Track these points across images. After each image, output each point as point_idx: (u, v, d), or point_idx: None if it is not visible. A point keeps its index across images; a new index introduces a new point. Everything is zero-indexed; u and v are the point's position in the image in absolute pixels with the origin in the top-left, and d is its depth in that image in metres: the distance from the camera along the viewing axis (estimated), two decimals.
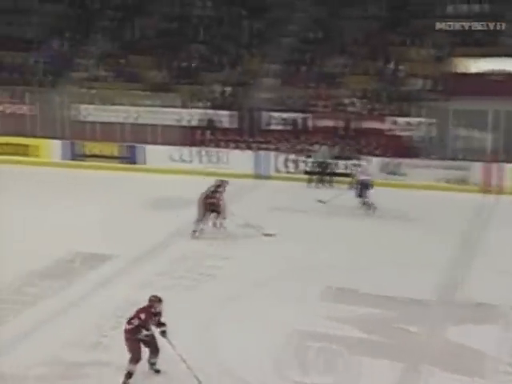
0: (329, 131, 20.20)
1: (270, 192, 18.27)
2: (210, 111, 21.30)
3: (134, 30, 24.52)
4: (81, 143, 21.29)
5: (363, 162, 18.23)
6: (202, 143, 20.81)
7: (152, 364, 8.89)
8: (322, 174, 19.03)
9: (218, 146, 20.65)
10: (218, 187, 14.42)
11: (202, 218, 14.07)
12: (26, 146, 21.42)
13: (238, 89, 22.02)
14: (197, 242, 13.88)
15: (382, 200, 15.99)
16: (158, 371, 8.89)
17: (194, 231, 14.10)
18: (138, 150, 20.83)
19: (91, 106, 22.01)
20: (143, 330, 8.55)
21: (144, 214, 15.93)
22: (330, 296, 11.22)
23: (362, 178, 16.14)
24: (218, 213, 14.18)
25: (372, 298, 11.03)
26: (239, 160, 19.83)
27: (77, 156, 21.26)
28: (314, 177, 19.10)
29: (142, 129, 21.16)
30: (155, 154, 20.49)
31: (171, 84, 22.53)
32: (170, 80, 22.72)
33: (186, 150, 20.45)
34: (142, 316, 8.59)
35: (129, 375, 8.57)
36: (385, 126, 20.06)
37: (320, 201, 16.65)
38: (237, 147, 20.49)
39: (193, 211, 13.86)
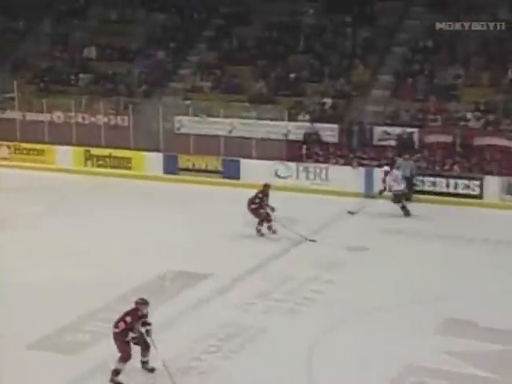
0: (439, 147, 19.57)
1: (374, 212, 17.85)
2: (310, 124, 21.11)
3: (233, 40, 24.76)
4: (175, 156, 21.58)
5: (395, 171, 17.64)
6: (300, 158, 20.64)
7: (144, 363, 9.43)
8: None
9: (317, 161, 20.41)
10: (260, 193, 15.34)
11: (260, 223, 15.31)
12: (125, 158, 21.87)
13: (340, 101, 21.76)
14: (299, 264, 13.66)
15: (503, 225, 15.28)
16: (151, 370, 9.39)
17: (259, 230, 15.30)
18: (233, 165, 20.89)
19: (186, 118, 22.32)
20: (130, 332, 9.13)
21: (241, 231, 15.86)
22: (445, 328, 10.69)
23: (396, 189, 17.07)
24: (259, 218, 15.22)
25: (493, 333, 10.42)
26: (340, 176, 19.49)
27: (173, 169, 21.47)
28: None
29: (238, 142, 21.20)
30: (251, 168, 20.44)
31: (270, 95, 22.54)
32: (269, 91, 22.75)
33: (283, 166, 20.31)
34: (128, 319, 9.20)
35: (116, 373, 9.14)
36: (502, 141, 19.23)
37: (350, 212, 16.82)
38: (337, 163, 20.19)
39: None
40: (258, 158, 20.72)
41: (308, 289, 12.39)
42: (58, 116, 23.13)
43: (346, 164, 20.01)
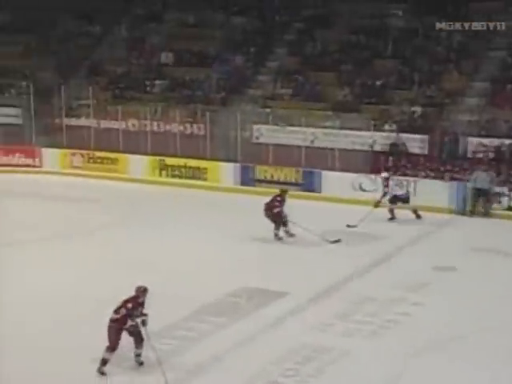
0: None
1: (468, 229, 17.41)
2: (397, 135, 20.80)
3: (315, 44, 24.72)
4: (252, 167, 21.64)
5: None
6: (386, 171, 20.32)
7: (137, 355, 9.96)
8: (478, 203, 18.33)
9: (404, 174, 20.07)
10: (277, 197, 16.16)
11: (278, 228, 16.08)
12: (200, 168, 22.06)
13: (430, 110, 21.36)
14: (379, 284, 13.42)
15: None
16: (141, 363, 9.94)
17: (276, 234, 16.07)
18: (315, 176, 20.78)
19: (264, 127, 22.38)
20: (129, 320, 9.66)
21: (317, 248, 15.73)
22: None
23: (398, 193, 17.85)
24: (275, 222, 15.94)
25: None
26: (429, 190, 19.07)
27: (249, 181, 21.55)
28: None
29: (320, 153, 21.06)
30: (333, 181, 20.28)
31: (354, 103, 22.36)
32: (354, 99, 22.58)
33: (367, 178, 20.07)
34: (129, 305, 9.69)
35: (104, 362, 9.72)
36: None
37: (349, 225, 16.82)
38: (427, 176, 19.79)
39: (374, 247, 13.42)
40: (341, 170, 20.54)
41: (391, 311, 12.15)
42: (132, 124, 23.62)
43: (436, 177, 19.59)
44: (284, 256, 15.12)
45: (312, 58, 24.33)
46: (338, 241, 15.87)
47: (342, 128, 21.52)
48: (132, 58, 26.76)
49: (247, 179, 21.57)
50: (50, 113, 24.63)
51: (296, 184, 20.91)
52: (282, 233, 16.18)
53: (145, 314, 9.81)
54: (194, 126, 23.11)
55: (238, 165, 21.81)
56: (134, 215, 18.33)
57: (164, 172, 22.60)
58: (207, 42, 26.02)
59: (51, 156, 23.90)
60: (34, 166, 23.93)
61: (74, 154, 23.77)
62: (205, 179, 22.00)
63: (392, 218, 17.87)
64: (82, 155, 23.70)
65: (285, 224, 16.11)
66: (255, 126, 22.43)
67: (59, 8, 27.35)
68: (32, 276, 13.58)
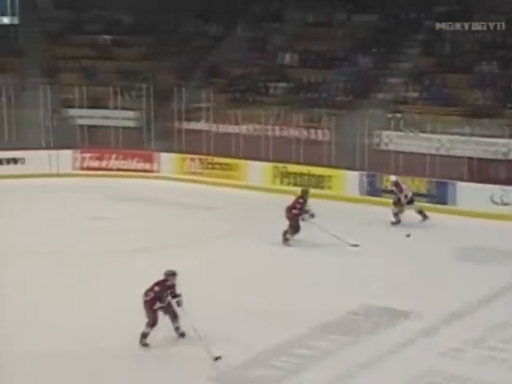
0: None
1: None
2: None
3: (448, 43, 24.30)
4: (378, 176, 21.49)
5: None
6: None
7: (176, 328, 11.42)
8: None
9: None
10: (299, 198, 16.91)
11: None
12: (324, 177, 22.16)
13: None
14: None
15: None
16: (182, 335, 11.42)
17: (286, 239, 16.72)
18: (449, 188, 20.43)
19: (394, 133, 22.19)
20: (158, 301, 11.08)
21: (451, 265, 15.52)
22: None
23: (409, 194, 18.65)
24: (292, 226, 16.67)
25: None
26: None
27: (374, 191, 21.46)
28: None
29: (455, 162, 20.72)
30: (470, 193, 19.85)
31: (495, 108, 21.81)
32: (494, 103, 22.02)
33: (503, 191, 19.53)
34: (156, 288, 11.14)
35: (144, 336, 11.21)
36: None
37: (408, 235, 17.38)
38: None
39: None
40: (475, 180, 20.10)
41: None
42: (252, 128, 23.97)
43: None
44: (407, 273, 14.96)
45: (445, 59, 23.93)
46: (356, 245, 16.41)
47: (480, 135, 20.91)
48: (251, 60, 27.13)
49: (373, 189, 21.49)
50: (168, 116, 25.44)
51: (428, 196, 20.56)
52: (291, 239, 16.76)
53: (178, 295, 11.22)
54: (317, 131, 23.20)
55: (363, 173, 21.75)
56: (250, 225, 18.64)
57: (285, 180, 22.77)
58: (331, 43, 26.08)
59: (168, 161, 24.66)
60: (151, 171, 24.82)
61: (191, 159, 24.41)
62: (329, 188, 22.02)
63: (397, 222, 18.57)
64: (200, 160, 24.28)
65: (295, 230, 16.70)
66: (384, 132, 22.28)
67: (181, 9, 28.28)
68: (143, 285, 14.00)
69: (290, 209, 16.82)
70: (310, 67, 25.89)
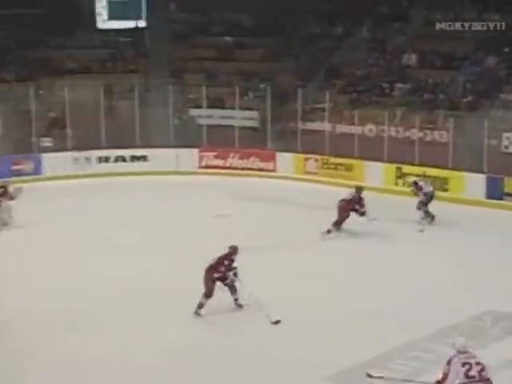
0: None
1: None
2: None
3: None
4: (500, 179, 20.74)
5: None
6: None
7: (235, 300, 12.45)
8: None
9: None
10: (355, 194, 17.31)
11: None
12: (446, 179, 21.62)
13: None
14: None
15: None
16: (240, 306, 12.46)
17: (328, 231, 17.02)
18: None
19: None
20: (227, 274, 12.19)
21: None
22: None
23: (428, 189, 18.57)
24: (339, 220, 17.06)
25: None
26: None
27: (497, 194, 20.74)
28: None
29: None
30: None
31: None
32: None
33: None
34: (226, 262, 12.23)
35: (200, 306, 12.23)
36: None
37: (421, 230, 17.62)
38: None
39: None
40: None
41: None
42: (369, 129, 23.72)
43: None
44: None
45: None
46: (422, 231, 17.31)
47: None
48: (372, 60, 26.85)
49: (494, 192, 20.76)
50: (286, 116, 25.45)
51: None
52: (334, 231, 17.05)
53: (235, 268, 12.25)
54: (435, 132, 22.72)
55: (484, 176, 21.05)
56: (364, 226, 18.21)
57: (400, 181, 22.31)
58: (456, 42, 25.37)
59: (286, 160, 24.66)
60: (268, 170, 24.89)
61: (308, 159, 24.34)
62: (446, 190, 21.46)
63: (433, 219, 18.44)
64: (317, 160, 24.17)
65: (339, 223, 16.99)
66: (506, 134, 21.51)
67: (303, 10, 28.23)
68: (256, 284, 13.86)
69: (345, 202, 17.26)
70: (431, 68, 25.32)
